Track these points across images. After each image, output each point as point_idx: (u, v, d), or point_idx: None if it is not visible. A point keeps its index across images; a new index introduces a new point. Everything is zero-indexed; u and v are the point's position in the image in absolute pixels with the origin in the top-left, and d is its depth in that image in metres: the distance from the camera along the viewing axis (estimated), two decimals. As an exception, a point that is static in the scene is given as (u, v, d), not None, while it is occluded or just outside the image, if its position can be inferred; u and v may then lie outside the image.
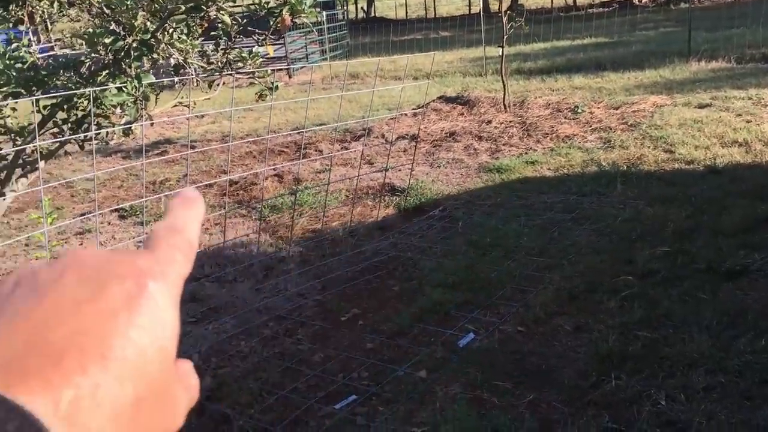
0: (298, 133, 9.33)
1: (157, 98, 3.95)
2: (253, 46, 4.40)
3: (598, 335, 3.55)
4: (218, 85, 4.42)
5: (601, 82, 11.30)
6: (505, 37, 9.36)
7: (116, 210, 6.94)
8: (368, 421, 3.07)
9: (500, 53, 9.62)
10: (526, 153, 7.68)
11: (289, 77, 14.91)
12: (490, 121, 9.08)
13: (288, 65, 13.04)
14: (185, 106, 4.43)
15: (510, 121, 9.02)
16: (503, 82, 9.50)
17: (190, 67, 3.81)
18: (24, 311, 0.32)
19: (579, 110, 9.06)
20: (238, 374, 3.52)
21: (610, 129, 8.19)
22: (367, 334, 3.88)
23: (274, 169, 7.66)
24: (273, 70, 4.52)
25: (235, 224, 6.11)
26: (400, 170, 7.33)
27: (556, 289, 4.15)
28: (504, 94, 9.54)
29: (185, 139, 10.10)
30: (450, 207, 6.07)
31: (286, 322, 4.11)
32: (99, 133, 3.64)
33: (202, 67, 4.13)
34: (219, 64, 4.25)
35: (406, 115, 9.75)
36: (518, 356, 3.48)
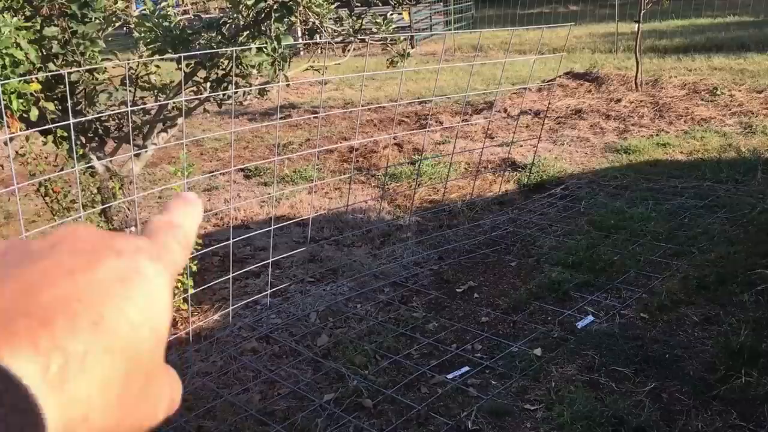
0: (420, 103, 9.32)
1: (290, 62, 4.05)
2: (384, 14, 4.41)
3: (729, 328, 3.36)
4: (349, 50, 4.48)
5: (744, 63, 10.56)
6: (642, 12, 8.90)
7: (242, 169, 7.21)
8: (480, 393, 3.05)
9: (635, 29, 9.17)
10: (657, 135, 7.32)
11: (412, 47, 14.89)
12: (619, 100, 8.72)
13: (412, 35, 13.01)
14: (316, 70, 4.52)
15: (641, 101, 8.62)
16: (636, 59, 9.07)
17: (324, 32, 3.87)
18: (13, 273, 0.30)
19: (718, 92, 8.53)
20: (353, 335, 3.60)
21: (752, 114, 7.66)
22: (483, 308, 3.85)
23: (394, 138, 7.70)
24: (405, 38, 4.51)
25: (354, 190, 6.20)
26: (521, 146, 7.18)
27: (684, 277, 3.95)
28: (636, 72, 9.12)
29: (308, 105, 10.34)
30: (572, 186, 5.90)
31: (402, 289, 4.14)
32: (237, 92, 3.77)
33: (335, 31, 4.18)
34: (351, 29, 4.29)
35: (530, 90, 9.52)
36: (639, 343, 3.35)
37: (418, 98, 9.54)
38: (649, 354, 3.25)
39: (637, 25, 9.08)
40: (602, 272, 4.11)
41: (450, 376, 3.19)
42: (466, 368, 3.25)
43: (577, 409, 2.85)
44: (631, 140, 7.14)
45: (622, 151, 6.78)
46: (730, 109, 7.97)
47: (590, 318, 3.60)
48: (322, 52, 4.24)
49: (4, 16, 2.88)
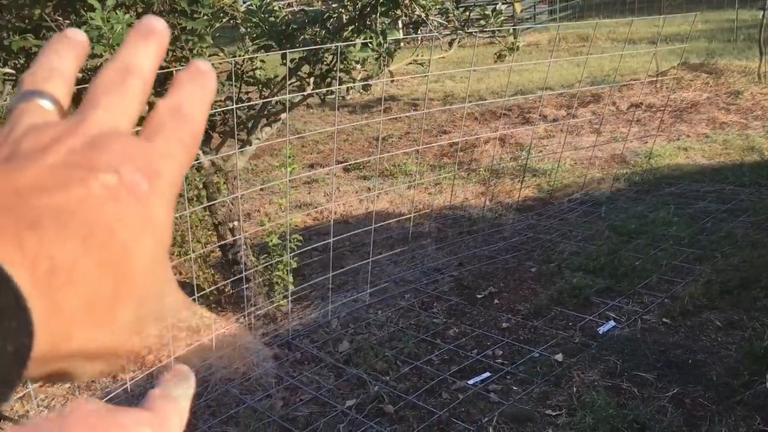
0: (523, 95, 9.21)
1: (392, 56, 3.89)
2: (494, 5, 4.26)
3: (753, 333, 3.24)
4: (455, 44, 4.31)
5: None
6: (767, -3, 8.34)
7: (341, 162, 7.38)
8: (502, 398, 3.07)
9: (759, 16, 8.61)
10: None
11: (514, 38, 14.47)
12: (740, 93, 8.23)
13: (514, 26, 12.75)
14: (420, 64, 4.41)
15: (766, 94, 8.09)
16: (760, 49, 8.51)
17: (430, 24, 3.74)
18: (6, 172, 0.28)
19: None
20: (374, 342, 3.66)
21: None
22: (503, 313, 3.84)
23: (496, 132, 7.66)
24: (518, 30, 4.36)
25: (457, 186, 6.25)
26: (631, 141, 6.98)
27: (707, 282, 3.81)
28: (760, 64, 8.55)
29: (408, 97, 10.40)
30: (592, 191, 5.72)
31: (422, 296, 4.17)
32: (341, 88, 3.70)
33: (442, 24, 4.06)
34: (458, 22, 4.15)
35: (642, 82, 9.17)
36: (662, 348, 3.27)
37: (521, 90, 9.42)
38: (672, 359, 3.17)
39: (762, 12, 8.51)
40: (623, 278, 4.02)
41: (471, 381, 3.21)
42: (487, 374, 3.26)
43: (599, 415, 2.84)
44: (755, 138, 6.75)
45: (747, 150, 6.44)
46: None
47: (612, 323, 3.54)
48: (422, 42, 4.08)
49: (116, 13, 2.91)
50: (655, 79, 9.29)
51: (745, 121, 7.41)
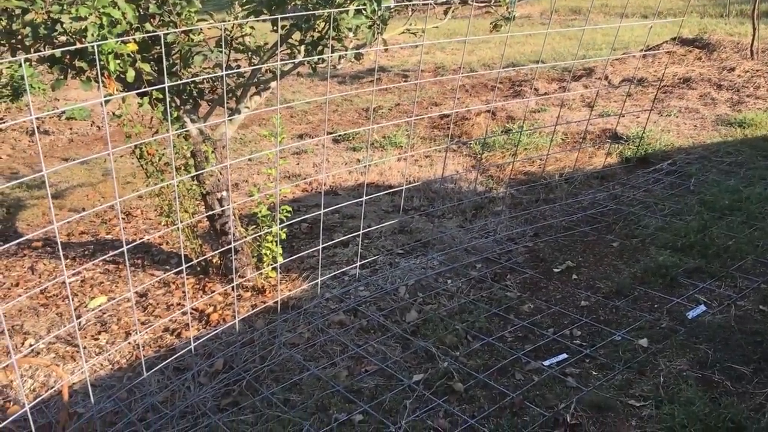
0: (514, 69, 8.96)
1: (386, 24, 3.87)
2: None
3: None
4: (450, 12, 4.24)
5: None
6: (763, -28, 8.21)
7: (330, 132, 7.14)
8: (580, 383, 2.85)
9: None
10: (775, 107, 6.77)
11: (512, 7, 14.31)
12: (732, 69, 8.12)
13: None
14: (412, 33, 4.32)
15: (757, 70, 8.00)
16: (753, 24, 8.40)
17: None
18: None
19: None
20: (444, 313, 3.45)
21: None
22: (582, 290, 3.63)
23: (487, 104, 7.43)
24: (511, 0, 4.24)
25: (445, 158, 6.00)
26: (623, 116, 6.78)
27: (810, 267, 3.60)
28: (753, 39, 8.45)
29: (398, 68, 10.13)
30: (680, 161, 5.51)
31: (495, 266, 3.96)
32: (333, 56, 3.63)
33: (437, -8, 3.95)
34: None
35: (633, 56, 8.99)
36: (758, 338, 3.05)
37: (513, 63, 9.16)
38: (770, 351, 2.96)
39: (756, -12, 8.40)
40: (715, 258, 3.79)
41: (547, 363, 3.01)
42: (564, 355, 3.05)
43: (689, 410, 2.62)
44: (746, 113, 6.62)
45: (736, 125, 6.30)
46: None
47: (702, 308, 3.32)
48: (417, 12, 3.99)
49: (102, -26, 2.81)
50: (646, 53, 9.11)
51: (738, 96, 7.28)
